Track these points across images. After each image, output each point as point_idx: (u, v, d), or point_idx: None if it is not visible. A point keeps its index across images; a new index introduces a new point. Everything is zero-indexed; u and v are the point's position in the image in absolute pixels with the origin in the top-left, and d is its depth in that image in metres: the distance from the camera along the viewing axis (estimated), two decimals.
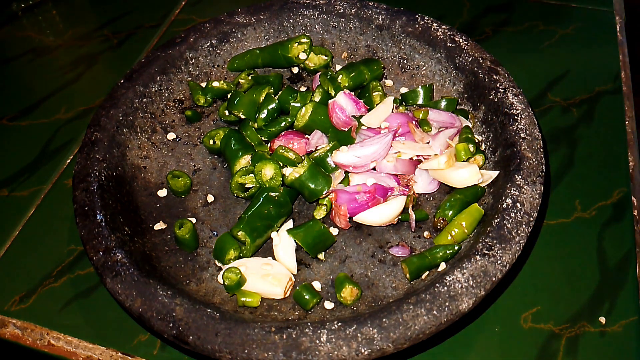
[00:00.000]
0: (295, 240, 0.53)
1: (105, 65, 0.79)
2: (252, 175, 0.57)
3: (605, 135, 0.66)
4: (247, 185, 0.57)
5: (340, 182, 0.56)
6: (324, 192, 0.54)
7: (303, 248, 0.53)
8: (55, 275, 0.57)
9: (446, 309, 0.43)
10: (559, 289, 0.54)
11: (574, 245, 0.57)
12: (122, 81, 0.62)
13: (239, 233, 0.52)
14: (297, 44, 0.65)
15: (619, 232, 0.57)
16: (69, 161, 0.67)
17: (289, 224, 0.55)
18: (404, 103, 0.63)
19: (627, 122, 0.67)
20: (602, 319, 0.51)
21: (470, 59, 0.61)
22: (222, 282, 0.50)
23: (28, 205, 0.63)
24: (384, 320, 0.43)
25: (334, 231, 0.55)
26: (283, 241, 0.53)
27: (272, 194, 0.55)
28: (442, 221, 0.53)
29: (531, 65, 0.74)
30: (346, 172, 0.56)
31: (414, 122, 0.58)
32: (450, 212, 0.53)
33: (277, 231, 0.54)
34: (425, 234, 0.55)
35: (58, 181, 0.65)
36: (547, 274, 0.55)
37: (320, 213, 0.55)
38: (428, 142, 0.58)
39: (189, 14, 0.85)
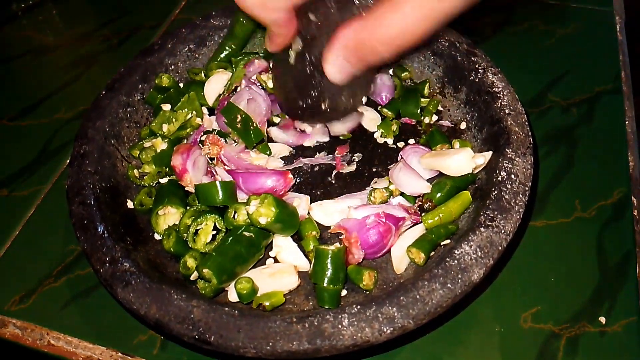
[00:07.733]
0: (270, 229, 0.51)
1: (105, 65, 0.79)
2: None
3: (605, 135, 0.66)
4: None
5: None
6: (294, 230, 0.52)
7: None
8: (55, 275, 0.57)
9: (459, 281, 0.44)
10: (559, 289, 0.53)
11: (574, 245, 0.57)
12: (104, 92, 0.61)
13: (204, 271, 0.47)
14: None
15: (619, 232, 0.57)
16: (69, 161, 0.67)
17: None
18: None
19: (627, 122, 0.67)
20: (602, 319, 0.51)
21: (447, 43, 0.62)
22: (234, 299, 0.49)
23: (28, 205, 0.63)
24: (401, 298, 0.44)
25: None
26: (283, 245, 0.53)
27: (246, 233, 0.50)
28: (429, 203, 0.54)
29: (531, 65, 0.74)
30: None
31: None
32: (439, 195, 0.54)
33: (272, 241, 0.53)
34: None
35: (58, 181, 0.65)
36: (548, 274, 0.55)
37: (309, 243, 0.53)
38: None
39: (189, 14, 0.85)
